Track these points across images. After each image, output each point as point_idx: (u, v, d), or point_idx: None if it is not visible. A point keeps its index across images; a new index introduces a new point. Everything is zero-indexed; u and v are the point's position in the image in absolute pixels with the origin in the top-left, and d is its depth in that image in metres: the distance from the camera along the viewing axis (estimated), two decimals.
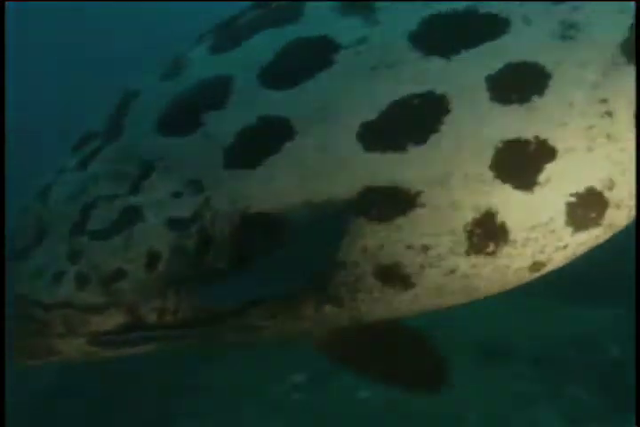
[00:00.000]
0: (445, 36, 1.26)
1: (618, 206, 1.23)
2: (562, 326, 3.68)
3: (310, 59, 1.28)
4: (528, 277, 1.29)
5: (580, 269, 3.71)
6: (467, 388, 3.40)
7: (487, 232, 1.22)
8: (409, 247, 1.23)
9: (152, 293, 1.29)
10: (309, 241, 1.24)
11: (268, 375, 3.45)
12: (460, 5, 1.26)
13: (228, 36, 1.38)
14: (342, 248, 1.23)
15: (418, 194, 1.21)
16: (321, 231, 1.23)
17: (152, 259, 1.28)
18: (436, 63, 1.24)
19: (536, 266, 1.27)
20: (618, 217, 1.25)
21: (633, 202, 1.24)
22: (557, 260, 1.28)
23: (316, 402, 3.38)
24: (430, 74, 1.23)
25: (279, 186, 1.25)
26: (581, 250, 1.28)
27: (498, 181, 1.21)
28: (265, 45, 1.32)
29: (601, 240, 1.28)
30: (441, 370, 1.50)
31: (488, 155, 1.21)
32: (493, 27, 1.24)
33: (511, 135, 1.21)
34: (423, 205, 1.22)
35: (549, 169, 1.21)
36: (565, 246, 1.25)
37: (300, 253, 1.24)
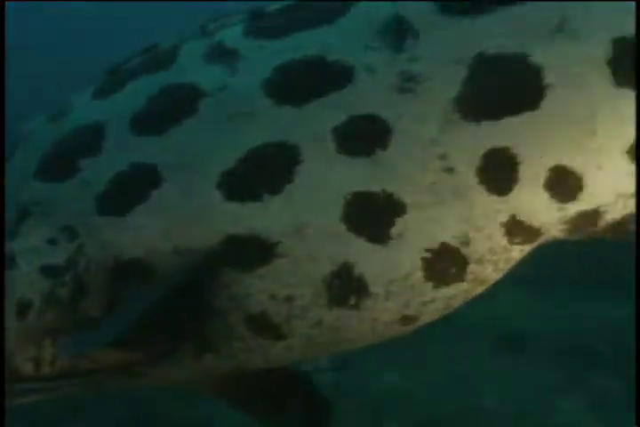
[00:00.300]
0: (296, 85, 1.26)
1: (479, 262, 1.23)
2: (587, 318, 3.69)
3: (177, 106, 1.30)
4: (404, 329, 1.30)
5: (607, 263, 3.68)
6: (487, 377, 3.43)
7: (346, 285, 1.23)
8: (273, 297, 1.25)
9: (26, 343, 1.30)
10: (178, 289, 1.25)
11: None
12: (311, 52, 1.26)
13: (110, 81, 1.40)
14: (210, 296, 1.25)
15: (276, 244, 1.23)
16: (188, 279, 1.25)
17: (22, 308, 1.29)
18: (288, 112, 1.24)
19: (407, 320, 1.27)
20: (483, 272, 1.24)
21: (497, 257, 1.23)
22: (429, 313, 1.27)
23: (338, 385, 3.40)
24: (282, 123, 1.24)
25: (148, 233, 1.26)
26: (457, 302, 1.28)
27: (351, 234, 1.22)
28: (139, 92, 1.34)
29: (475, 293, 1.27)
30: (323, 415, 1.53)
31: (338, 207, 1.22)
32: (339, 76, 1.24)
33: (359, 188, 1.21)
34: (282, 256, 1.23)
35: (400, 223, 1.21)
36: (432, 301, 1.25)
37: (169, 300, 1.25)
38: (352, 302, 1.24)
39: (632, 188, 1.17)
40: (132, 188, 1.28)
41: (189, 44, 1.36)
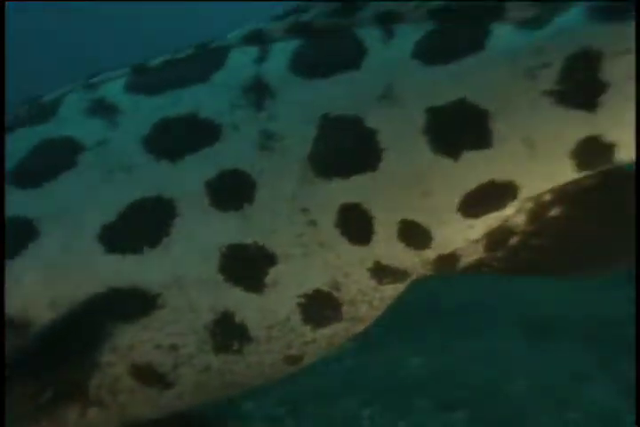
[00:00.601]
0: (171, 140, 1.32)
1: (352, 303, 1.31)
2: (616, 304, 3.70)
3: (56, 159, 1.33)
4: (290, 369, 1.36)
5: None
6: (516, 361, 3.47)
7: (228, 332, 1.30)
8: (158, 347, 1.30)
9: None
10: (56, 343, 1.28)
11: None
12: (185, 109, 1.32)
13: None
14: (92, 349, 1.29)
15: (157, 295, 1.28)
16: (68, 332, 1.29)
17: None
18: (165, 167, 1.30)
19: (291, 359, 1.34)
20: (358, 311, 1.32)
21: (369, 297, 1.31)
22: (312, 352, 1.35)
23: (365, 368, 3.47)
24: (159, 178, 1.30)
25: (23, 288, 1.29)
26: (339, 340, 1.35)
27: (228, 284, 1.28)
28: (18, 144, 1.36)
29: (357, 330, 1.35)
30: None
31: (215, 259, 1.28)
32: (209, 133, 1.30)
33: (233, 240, 1.28)
34: (163, 306, 1.28)
35: (273, 273, 1.28)
36: (313, 341, 1.33)
37: (47, 356, 1.28)
38: (235, 347, 1.31)
39: (477, 235, 1.27)
40: (7, 242, 1.30)
41: (71, 97, 1.39)
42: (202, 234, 1.28)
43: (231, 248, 1.27)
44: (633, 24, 1.16)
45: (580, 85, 1.16)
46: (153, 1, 10.77)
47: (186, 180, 1.29)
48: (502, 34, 1.23)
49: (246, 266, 1.28)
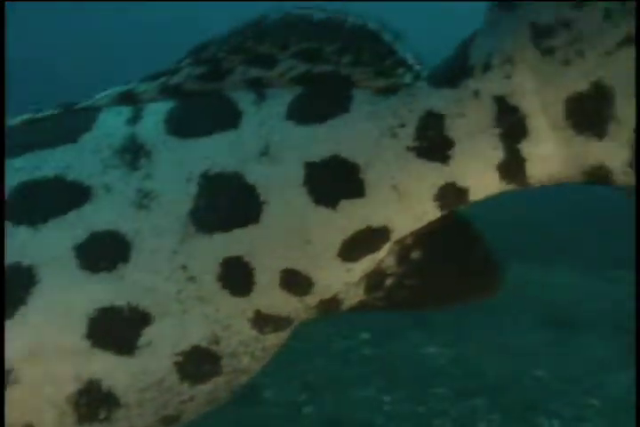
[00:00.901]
0: (34, 205, 1.28)
1: (233, 355, 1.31)
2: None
3: None
4: None
5: None
6: (535, 352, 3.50)
7: (95, 400, 1.26)
8: None
9: None
10: None
11: (340, 333, 3.70)
12: (50, 172, 1.29)
13: None
14: None
15: (9, 371, 1.23)
16: None
17: None
18: (24, 233, 1.26)
19: (167, 419, 1.33)
20: (240, 363, 1.32)
21: (251, 348, 1.33)
22: (191, 410, 1.34)
23: (383, 357, 3.54)
24: (17, 245, 1.26)
25: None
26: (221, 394, 1.35)
27: (96, 350, 1.24)
28: None
29: (240, 382, 1.35)
30: None
31: (82, 324, 1.23)
32: (78, 195, 1.28)
33: (103, 303, 1.24)
34: (16, 383, 1.24)
35: (148, 333, 1.25)
36: (192, 398, 1.32)
37: None
38: (102, 415, 1.27)
39: (355, 278, 1.31)
40: None
41: None
42: (66, 300, 1.24)
43: (101, 312, 1.24)
44: (454, 91, 1.28)
45: (433, 141, 1.27)
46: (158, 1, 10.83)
47: (49, 245, 1.26)
48: (361, 98, 1.32)
49: (117, 329, 1.24)
